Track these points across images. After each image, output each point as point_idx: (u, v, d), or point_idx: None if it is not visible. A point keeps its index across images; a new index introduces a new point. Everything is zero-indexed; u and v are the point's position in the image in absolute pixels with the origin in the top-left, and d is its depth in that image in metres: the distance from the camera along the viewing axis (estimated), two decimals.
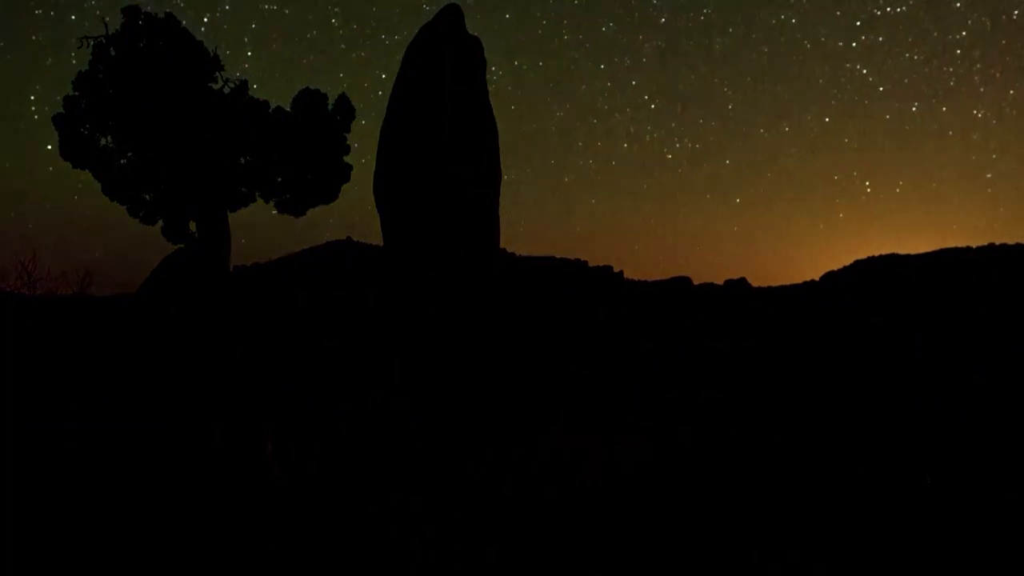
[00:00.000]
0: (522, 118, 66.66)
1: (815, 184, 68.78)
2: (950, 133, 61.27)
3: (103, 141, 18.30)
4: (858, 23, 62.53)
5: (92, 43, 17.79)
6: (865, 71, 60.39)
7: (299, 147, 19.44)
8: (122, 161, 18.49)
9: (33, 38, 52.36)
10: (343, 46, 60.00)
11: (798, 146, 66.38)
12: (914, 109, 61.01)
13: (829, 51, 61.04)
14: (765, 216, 69.87)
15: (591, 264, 21.65)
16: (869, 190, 61.38)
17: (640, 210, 68.57)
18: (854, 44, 58.39)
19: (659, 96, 68.41)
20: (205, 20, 52.99)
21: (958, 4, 55.96)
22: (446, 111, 12.61)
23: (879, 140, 64.41)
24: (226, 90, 19.14)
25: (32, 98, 51.91)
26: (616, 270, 21.49)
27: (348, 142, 20.25)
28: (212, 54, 18.81)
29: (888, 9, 55.18)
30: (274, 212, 20.26)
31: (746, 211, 70.71)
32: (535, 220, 67.89)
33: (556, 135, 67.16)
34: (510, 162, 68.08)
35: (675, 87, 65.98)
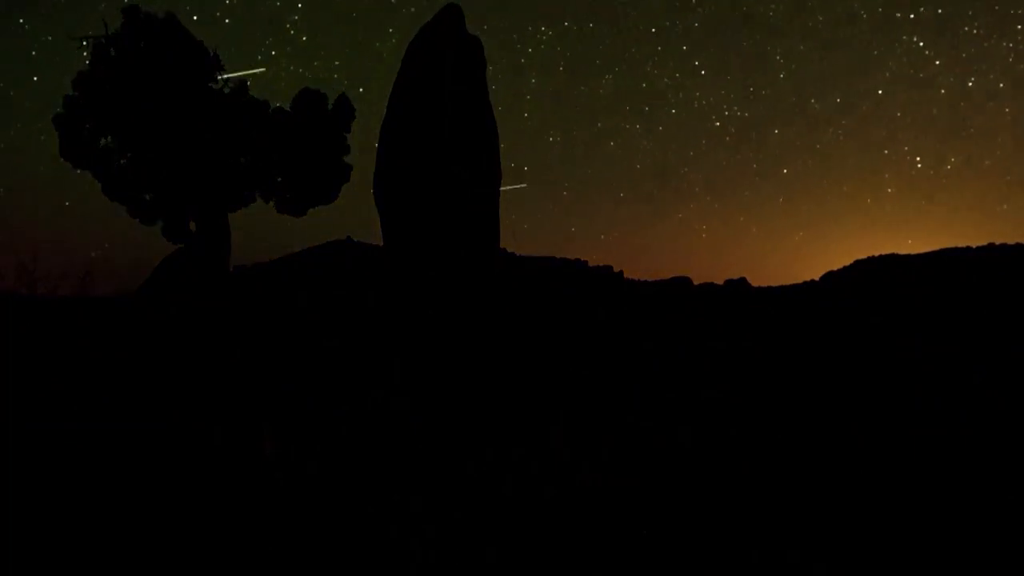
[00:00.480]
0: (571, 79, 66.09)
1: (864, 157, 66.74)
2: (1007, 110, 58.72)
3: (103, 141, 18.31)
4: None
5: (92, 43, 17.79)
6: (922, 43, 58.00)
7: (299, 147, 19.45)
8: (122, 161, 18.50)
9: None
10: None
11: (849, 117, 64.90)
12: (970, 84, 58.03)
13: (885, 21, 59.31)
14: (811, 187, 67.74)
15: (591, 264, 21.67)
16: (919, 166, 58.75)
17: (684, 178, 67.41)
18: (912, 15, 56.50)
19: (710, 62, 66.17)
20: None
21: None
22: (446, 111, 12.62)
23: (932, 114, 61.76)
24: (226, 90, 19.16)
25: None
26: (616, 270, 21.51)
27: (349, 141, 20.27)
28: (212, 54, 18.83)
29: None
30: (274, 212, 20.29)
31: (795, 183, 68.48)
32: (574, 184, 67.20)
33: (603, 98, 66.40)
34: (555, 124, 67.85)
35: (726, 54, 64.72)
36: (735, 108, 64.85)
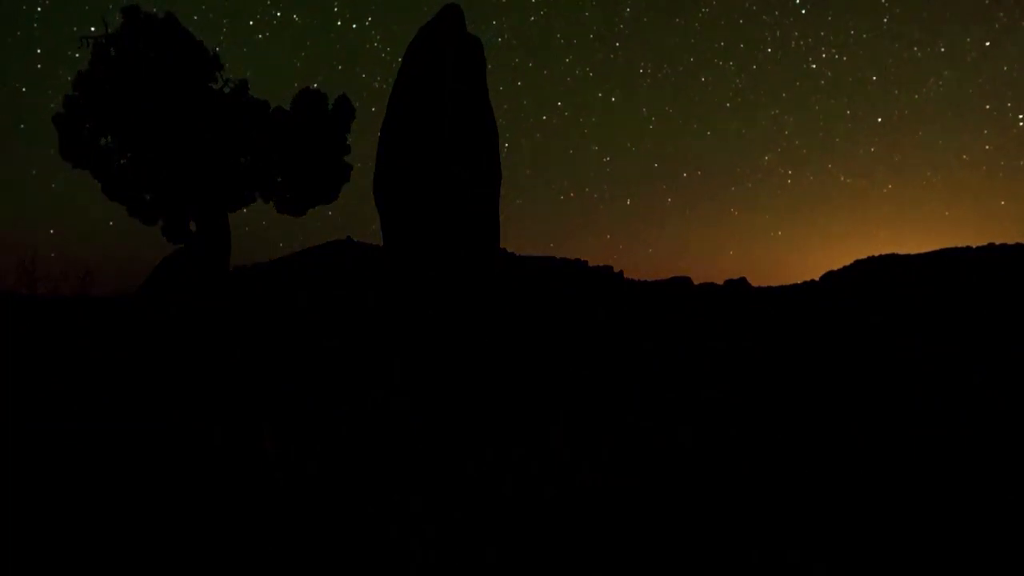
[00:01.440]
0: (668, 12, 64.49)
1: (963, 111, 63.27)
2: None
3: (103, 141, 18.32)
4: None
5: (92, 43, 17.80)
6: None
7: (299, 147, 19.46)
8: (122, 161, 18.51)
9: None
10: None
11: (951, 68, 61.83)
12: None
13: None
14: (905, 138, 64.83)
15: (591, 264, 21.69)
16: (1021, 123, 56.16)
17: (774, 121, 65.56)
18: None
19: (810, 1, 64.15)
20: None
21: None
22: (446, 111, 12.61)
23: None
24: (226, 90, 19.16)
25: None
26: (616, 270, 21.53)
27: (349, 141, 20.28)
28: (212, 54, 18.83)
29: None
30: (274, 212, 20.31)
31: (888, 132, 65.74)
32: (657, 123, 65.05)
33: (698, 33, 64.85)
34: (651, 57, 65.94)
35: None
36: (833, 51, 62.72)
